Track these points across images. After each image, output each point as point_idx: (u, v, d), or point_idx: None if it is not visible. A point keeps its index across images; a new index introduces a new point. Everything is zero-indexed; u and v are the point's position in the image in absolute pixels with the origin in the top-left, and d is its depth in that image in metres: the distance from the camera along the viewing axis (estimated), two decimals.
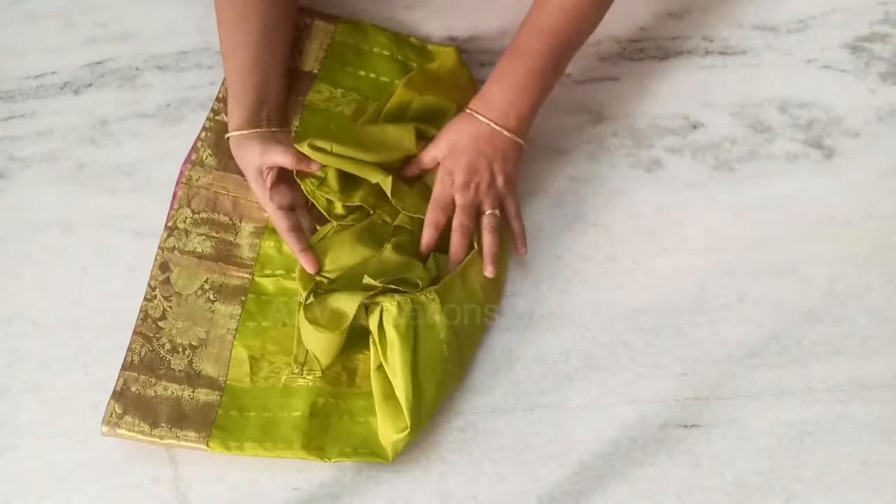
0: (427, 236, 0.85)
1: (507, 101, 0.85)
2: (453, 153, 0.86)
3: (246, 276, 0.87)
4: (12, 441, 0.83)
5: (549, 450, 0.82)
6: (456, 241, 0.85)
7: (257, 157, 0.86)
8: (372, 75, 0.96)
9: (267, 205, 0.88)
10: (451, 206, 0.86)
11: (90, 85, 0.98)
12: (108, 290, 0.88)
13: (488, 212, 0.86)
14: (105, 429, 0.81)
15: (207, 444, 0.80)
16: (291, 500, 0.80)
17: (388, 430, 0.80)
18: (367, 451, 0.80)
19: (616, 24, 0.99)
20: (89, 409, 0.83)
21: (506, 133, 0.85)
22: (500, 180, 0.86)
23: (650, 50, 0.98)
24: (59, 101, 0.98)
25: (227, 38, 0.89)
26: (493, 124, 0.85)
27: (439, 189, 0.86)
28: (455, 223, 0.85)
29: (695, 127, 0.95)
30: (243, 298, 0.86)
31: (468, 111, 0.86)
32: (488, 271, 0.84)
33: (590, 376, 0.84)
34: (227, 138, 0.88)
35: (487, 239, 0.85)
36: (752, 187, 0.91)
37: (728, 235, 0.89)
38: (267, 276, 0.87)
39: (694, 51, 0.97)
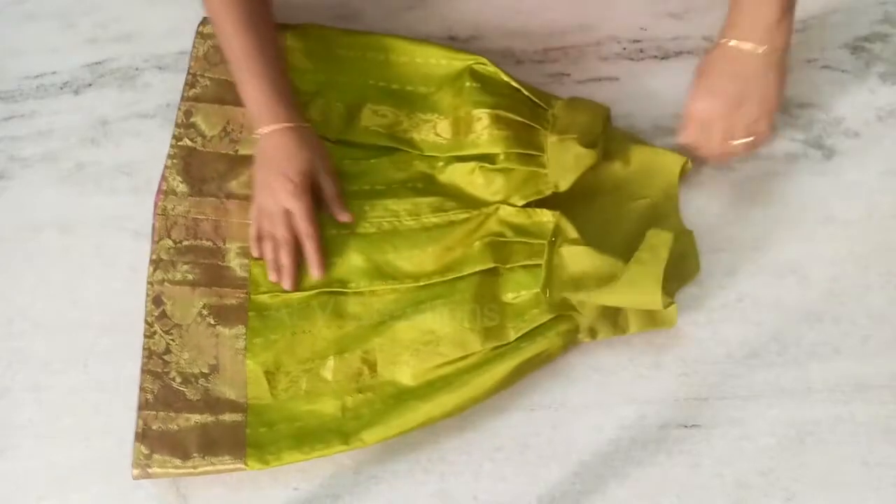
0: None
1: (758, 20, 0.80)
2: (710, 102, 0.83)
3: (242, 294, 0.85)
4: (12, 441, 0.83)
5: (549, 450, 0.81)
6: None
7: (301, 161, 0.84)
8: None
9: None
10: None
11: (90, 85, 0.98)
12: (108, 290, 0.88)
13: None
14: (136, 472, 0.79)
15: (246, 464, 0.78)
16: (291, 500, 0.80)
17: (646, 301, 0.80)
18: (407, 423, 0.79)
19: (616, 24, 0.99)
20: (89, 409, 0.83)
21: (759, 53, 0.81)
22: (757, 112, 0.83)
23: (650, 50, 0.98)
24: (59, 101, 0.98)
25: (222, 38, 0.87)
26: (748, 47, 0.81)
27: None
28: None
29: None
30: (244, 317, 0.84)
31: (722, 42, 0.82)
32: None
33: (590, 376, 0.84)
34: (256, 136, 0.86)
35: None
36: (752, 187, 0.91)
37: (728, 235, 0.89)
38: (263, 293, 0.86)
39: (694, 51, 0.97)
